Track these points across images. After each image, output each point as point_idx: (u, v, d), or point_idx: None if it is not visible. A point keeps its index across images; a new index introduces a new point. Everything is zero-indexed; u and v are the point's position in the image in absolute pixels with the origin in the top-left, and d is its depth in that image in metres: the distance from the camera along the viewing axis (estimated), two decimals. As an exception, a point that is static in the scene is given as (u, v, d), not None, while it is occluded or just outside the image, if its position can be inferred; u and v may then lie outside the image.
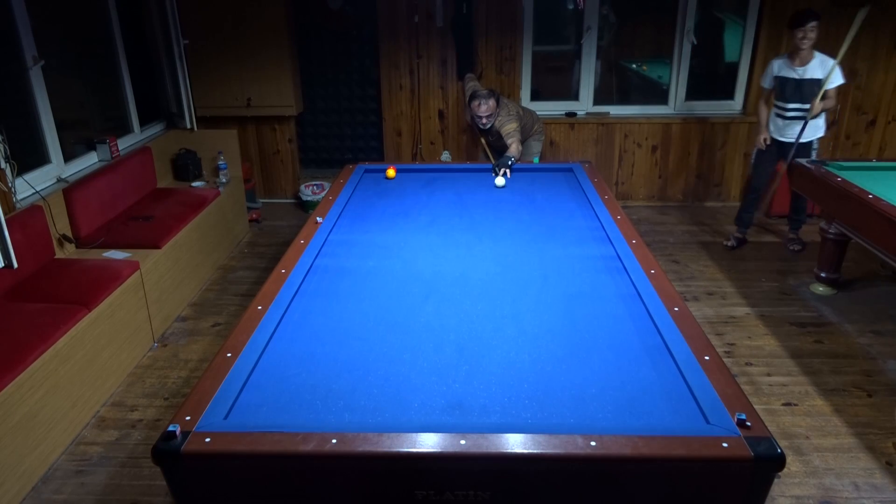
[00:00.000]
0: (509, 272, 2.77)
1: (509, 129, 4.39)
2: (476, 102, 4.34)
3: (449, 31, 5.40)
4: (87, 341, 3.10)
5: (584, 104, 5.75)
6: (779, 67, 4.44)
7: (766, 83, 4.55)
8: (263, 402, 1.94)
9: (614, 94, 5.94)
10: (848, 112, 5.54)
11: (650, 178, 5.83)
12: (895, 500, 2.58)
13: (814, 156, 4.58)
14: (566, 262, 2.84)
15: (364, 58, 5.71)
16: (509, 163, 4.11)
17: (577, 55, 5.66)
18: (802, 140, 4.41)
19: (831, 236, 4.00)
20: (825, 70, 4.27)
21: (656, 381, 2.01)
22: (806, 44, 4.23)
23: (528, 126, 4.73)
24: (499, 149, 4.57)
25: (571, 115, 5.67)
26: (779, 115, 4.49)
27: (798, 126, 4.39)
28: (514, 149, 4.30)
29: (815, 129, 4.48)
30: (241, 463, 1.72)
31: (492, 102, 4.33)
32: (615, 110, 5.73)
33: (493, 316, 2.42)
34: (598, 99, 5.76)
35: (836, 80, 4.29)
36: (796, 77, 4.35)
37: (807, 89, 4.31)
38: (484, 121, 4.35)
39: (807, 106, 4.32)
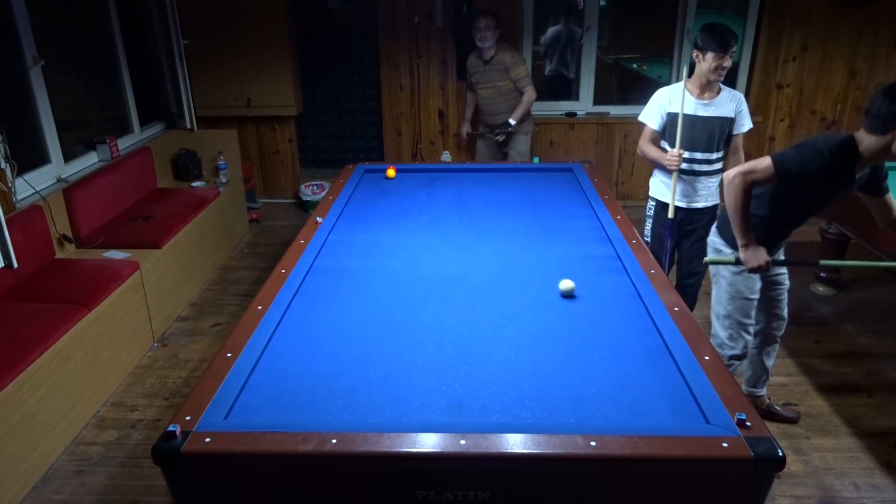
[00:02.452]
0: (509, 272, 2.77)
1: (520, 73, 4.62)
2: (476, 17, 4.62)
3: (449, 31, 5.40)
4: (87, 341, 3.10)
5: (584, 104, 5.75)
6: (676, 101, 3.16)
7: (656, 122, 3.25)
8: (263, 402, 1.93)
9: (614, 94, 5.94)
10: (848, 112, 5.55)
11: (650, 178, 5.81)
12: (895, 500, 2.58)
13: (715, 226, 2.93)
14: (566, 262, 2.84)
15: (364, 58, 5.71)
16: (508, 129, 4.58)
17: (577, 55, 5.66)
18: (697, 205, 3.27)
19: (831, 236, 4.00)
20: (736, 107, 3.18)
21: (656, 381, 2.01)
22: (723, 73, 3.09)
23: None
24: (492, 114, 4.78)
25: (571, 115, 5.67)
26: (681, 171, 3.21)
27: (707, 183, 3.24)
28: (529, 94, 4.62)
29: (711, 193, 3.28)
30: (241, 463, 1.72)
31: (492, 19, 4.54)
32: (615, 110, 5.73)
33: (493, 316, 2.42)
34: (598, 99, 5.76)
35: (748, 122, 3.22)
36: (704, 114, 3.15)
37: (717, 131, 3.17)
38: (484, 33, 4.53)
39: (714, 156, 3.20)
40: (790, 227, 2.65)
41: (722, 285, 2.79)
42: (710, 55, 3.05)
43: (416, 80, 5.59)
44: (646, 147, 3.33)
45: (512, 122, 4.64)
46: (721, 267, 2.75)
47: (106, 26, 4.54)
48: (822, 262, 2.86)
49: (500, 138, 4.68)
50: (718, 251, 2.76)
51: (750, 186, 2.39)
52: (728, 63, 3.07)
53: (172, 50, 4.95)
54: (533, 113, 5.62)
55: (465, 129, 5.07)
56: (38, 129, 3.83)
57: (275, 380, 2.04)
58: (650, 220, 3.47)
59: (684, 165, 3.20)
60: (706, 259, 2.74)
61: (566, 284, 2.56)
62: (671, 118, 3.20)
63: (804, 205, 2.54)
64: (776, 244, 2.70)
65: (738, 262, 2.59)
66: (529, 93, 4.67)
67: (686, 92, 3.16)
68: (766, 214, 2.57)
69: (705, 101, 3.16)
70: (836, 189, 2.47)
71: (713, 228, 2.86)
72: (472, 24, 4.68)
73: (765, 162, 2.38)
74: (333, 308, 2.50)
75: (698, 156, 3.21)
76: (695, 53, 3.13)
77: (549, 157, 5.68)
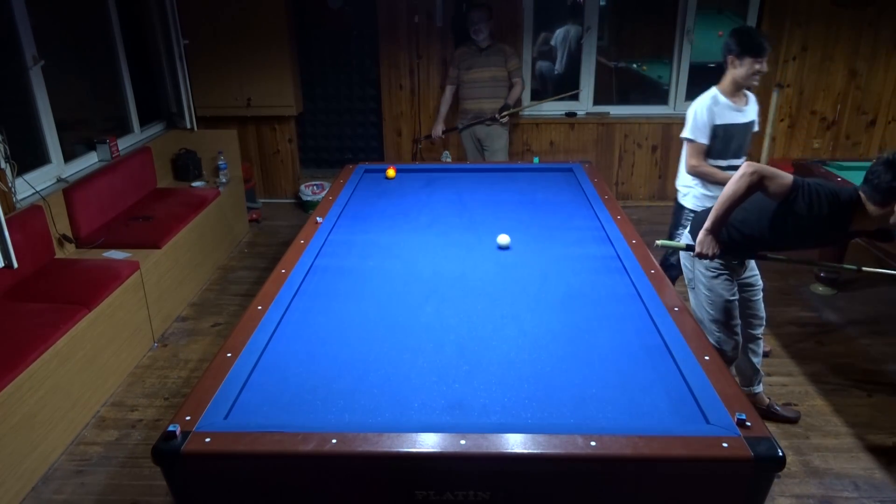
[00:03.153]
0: (509, 272, 2.77)
1: (517, 64, 4.95)
2: (469, 11, 4.80)
3: (449, 31, 5.40)
4: (87, 341, 3.10)
5: (584, 104, 5.75)
6: (720, 112, 3.08)
7: (705, 137, 3.09)
8: (263, 402, 1.93)
9: (614, 95, 5.94)
10: (848, 112, 5.55)
11: (650, 178, 5.83)
12: (895, 500, 2.58)
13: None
14: (566, 262, 2.84)
15: (364, 58, 5.71)
16: (510, 111, 4.88)
17: (577, 55, 5.66)
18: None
19: (831, 236, 3.99)
20: (756, 107, 3.23)
21: (656, 381, 2.01)
22: (758, 78, 3.06)
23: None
24: (476, 98, 4.94)
25: (571, 115, 5.67)
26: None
27: None
28: (518, 88, 4.95)
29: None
30: (241, 463, 1.72)
31: (484, 11, 4.76)
32: (615, 110, 5.73)
33: (493, 316, 2.42)
34: (598, 99, 5.76)
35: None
36: (744, 121, 3.14)
37: (750, 134, 3.21)
38: (478, 26, 4.76)
39: (745, 157, 3.18)
40: (767, 249, 2.64)
41: (700, 290, 2.80)
42: (747, 60, 2.97)
43: (416, 80, 5.59)
44: (707, 168, 3.11)
45: (509, 103, 4.94)
46: (698, 272, 2.77)
47: (106, 26, 4.54)
48: (770, 255, 2.68)
49: (504, 119, 4.93)
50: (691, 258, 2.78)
51: (758, 188, 2.38)
52: (765, 67, 3.00)
53: (172, 50, 4.95)
54: (532, 113, 5.65)
55: (440, 129, 5.18)
56: (38, 129, 3.83)
57: (275, 380, 2.04)
58: (688, 233, 3.08)
59: (727, 172, 3.07)
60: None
61: (503, 239, 2.97)
62: (720, 131, 3.09)
63: (791, 236, 2.50)
64: (744, 256, 2.71)
65: (688, 248, 2.61)
66: (522, 83, 5.00)
67: (724, 99, 3.08)
68: (753, 234, 2.55)
69: (741, 107, 3.11)
70: (826, 235, 2.48)
71: (685, 233, 2.86)
72: (466, 18, 4.85)
73: (787, 179, 2.36)
74: (333, 308, 2.50)
75: (736, 162, 3.14)
76: (729, 59, 3.03)
77: (549, 157, 5.68)
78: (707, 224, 2.50)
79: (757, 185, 2.37)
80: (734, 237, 2.56)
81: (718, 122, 3.08)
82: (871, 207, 2.29)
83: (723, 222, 2.48)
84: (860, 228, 2.42)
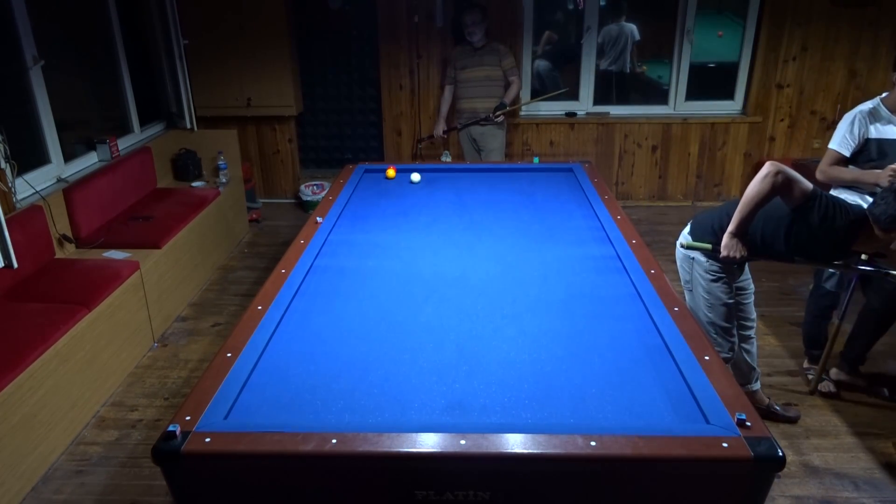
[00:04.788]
0: (509, 272, 2.77)
1: (512, 63, 4.94)
2: (462, 13, 4.80)
3: (449, 31, 5.40)
4: (87, 341, 3.10)
5: (584, 104, 5.75)
6: (877, 125, 2.89)
7: (846, 149, 2.95)
8: (263, 402, 1.93)
9: (614, 94, 5.94)
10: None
11: (650, 178, 5.83)
12: (895, 500, 2.58)
13: None
14: (566, 262, 2.84)
15: (364, 58, 5.71)
16: (505, 109, 4.88)
17: (577, 55, 5.65)
18: None
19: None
20: None
21: (656, 381, 2.01)
22: None
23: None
24: (473, 97, 4.95)
25: (571, 115, 5.67)
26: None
27: None
28: (516, 86, 4.94)
29: None
30: (241, 463, 1.72)
31: (478, 13, 4.74)
32: (615, 110, 5.73)
33: (493, 316, 2.42)
34: (598, 99, 5.77)
35: None
36: None
37: None
38: (472, 28, 4.75)
39: None
40: (763, 255, 2.64)
41: (699, 293, 2.79)
42: None
43: (416, 80, 5.59)
44: (835, 172, 2.97)
45: (505, 101, 4.91)
46: (697, 275, 2.76)
47: (106, 26, 4.54)
48: (798, 259, 2.62)
49: (500, 118, 4.92)
50: (691, 258, 2.77)
51: (780, 191, 2.38)
52: None
53: (172, 50, 4.95)
54: (532, 113, 5.65)
55: (441, 128, 5.22)
56: (38, 129, 3.83)
57: (275, 380, 2.04)
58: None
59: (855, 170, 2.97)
60: (682, 242, 2.73)
61: (415, 177, 3.85)
62: (873, 146, 2.90)
63: (793, 245, 2.50)
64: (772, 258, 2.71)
65: (714, 249, 2.59)
66: (519, 81, 4.99)
67: (885, 112, 2.90)
68: (754, 238, 2.55)
69: None
70: (829, 251, 2.48)
71: (685, 232, 2.84)
72: (460, 20, 4.85)
73: (808, 186, 2.38)
74: (333, 308, 2.50)
75: None
76: (895, 77, 2.88)
77: (549, 157, 5.68)
78: (731, 227, 2.49)
79: (780, 186, 2.36)
80: (753, 243, 2.54)
81: (873, 136, 2.89)
82: (876, 230, 2.32)
83: (748, 224, 2.47)
84: (859, 250, 2.43)
